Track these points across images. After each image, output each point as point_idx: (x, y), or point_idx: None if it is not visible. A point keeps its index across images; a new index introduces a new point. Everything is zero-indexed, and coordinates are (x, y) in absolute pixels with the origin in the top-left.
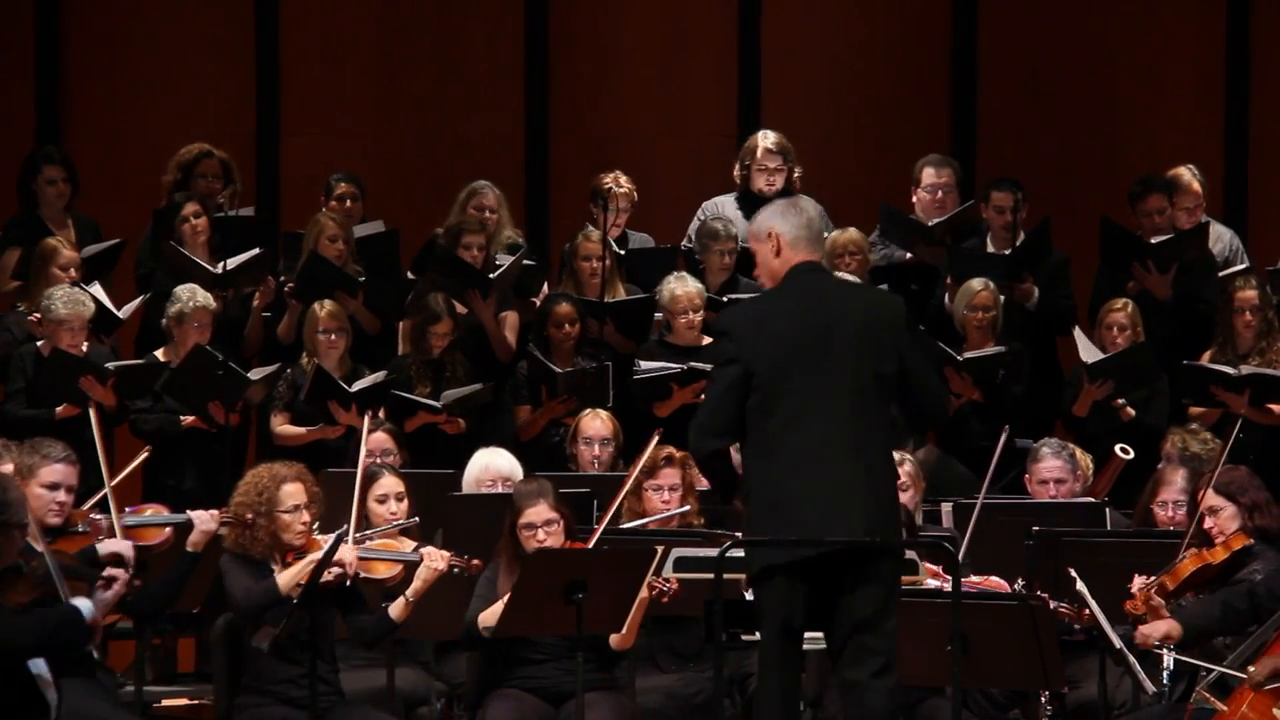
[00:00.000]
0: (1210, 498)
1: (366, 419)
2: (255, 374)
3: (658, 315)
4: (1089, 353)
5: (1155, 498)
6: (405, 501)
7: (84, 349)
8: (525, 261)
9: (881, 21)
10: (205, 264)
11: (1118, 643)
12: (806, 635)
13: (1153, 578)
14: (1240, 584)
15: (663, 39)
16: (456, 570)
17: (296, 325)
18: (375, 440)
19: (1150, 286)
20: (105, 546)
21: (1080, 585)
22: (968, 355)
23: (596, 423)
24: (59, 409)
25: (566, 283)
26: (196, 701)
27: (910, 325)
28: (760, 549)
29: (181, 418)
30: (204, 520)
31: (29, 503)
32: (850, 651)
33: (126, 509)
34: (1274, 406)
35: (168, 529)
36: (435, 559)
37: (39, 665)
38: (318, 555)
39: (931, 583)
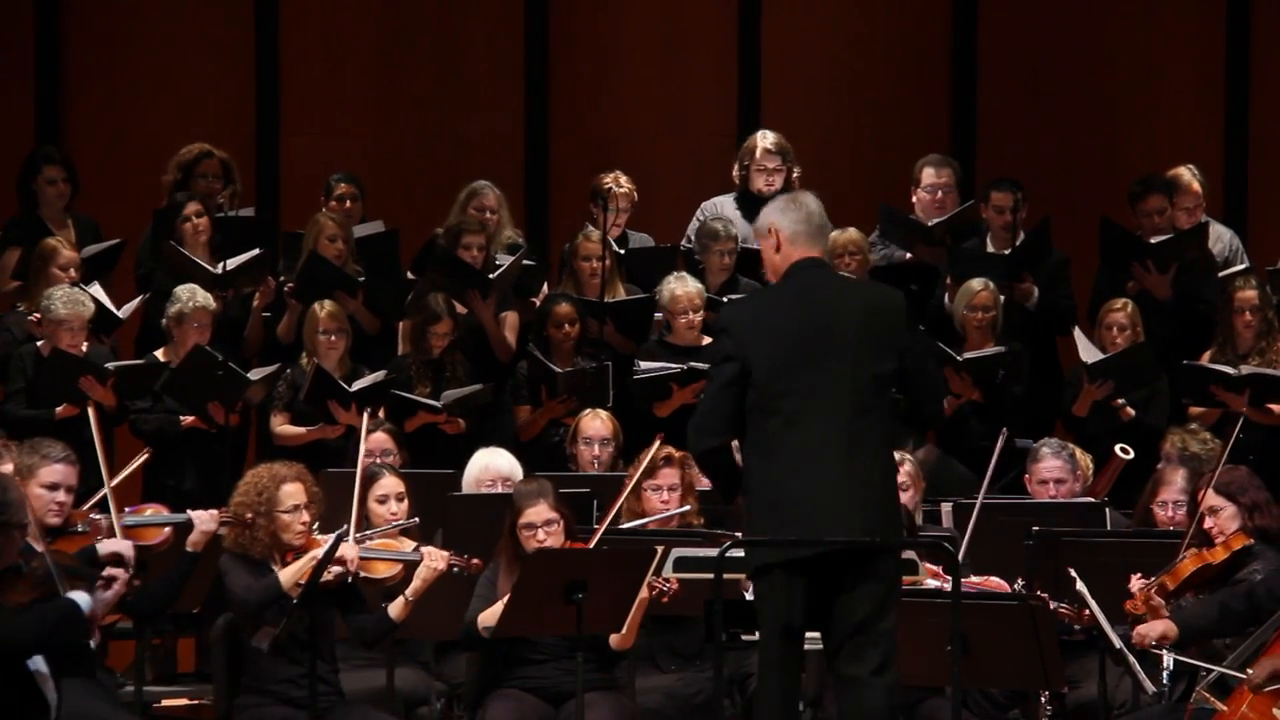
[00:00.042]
0: (1210, 498)
1: (365, 419)
2: (255, 374)
3: (658, 315)
4: (1089, 353)
5: (1155, 498)
6: (405, 502)
7: (84, 349)
8: (525, 261)
9: (881, 21)
10: (205, 264)
11: (1118, 643)
12: (807, 635)
13: (1153, 578)
14: (1239, 585)
15: (663, 39)
16: (456, 570)
17: (296, 325)
18: (375, 440)
19: (1150, 286)
20: (105, 546)
21: (1080, 585)
22: (967, 355)
23: (596, 423)
24: (59, 409)
25: (566, 283)
26: (196, 701)
27: (910, 322)
28: (759, 548)
29: (181, 418)
30: (204, 520)
31: (29, 503)
32: (849, 649)
33: (126, 509)
34: (1274, 406)
35: (167, 529)
36: (435, 558)
37: (37, 662)
38: (319, 553)
39: (931, 583)
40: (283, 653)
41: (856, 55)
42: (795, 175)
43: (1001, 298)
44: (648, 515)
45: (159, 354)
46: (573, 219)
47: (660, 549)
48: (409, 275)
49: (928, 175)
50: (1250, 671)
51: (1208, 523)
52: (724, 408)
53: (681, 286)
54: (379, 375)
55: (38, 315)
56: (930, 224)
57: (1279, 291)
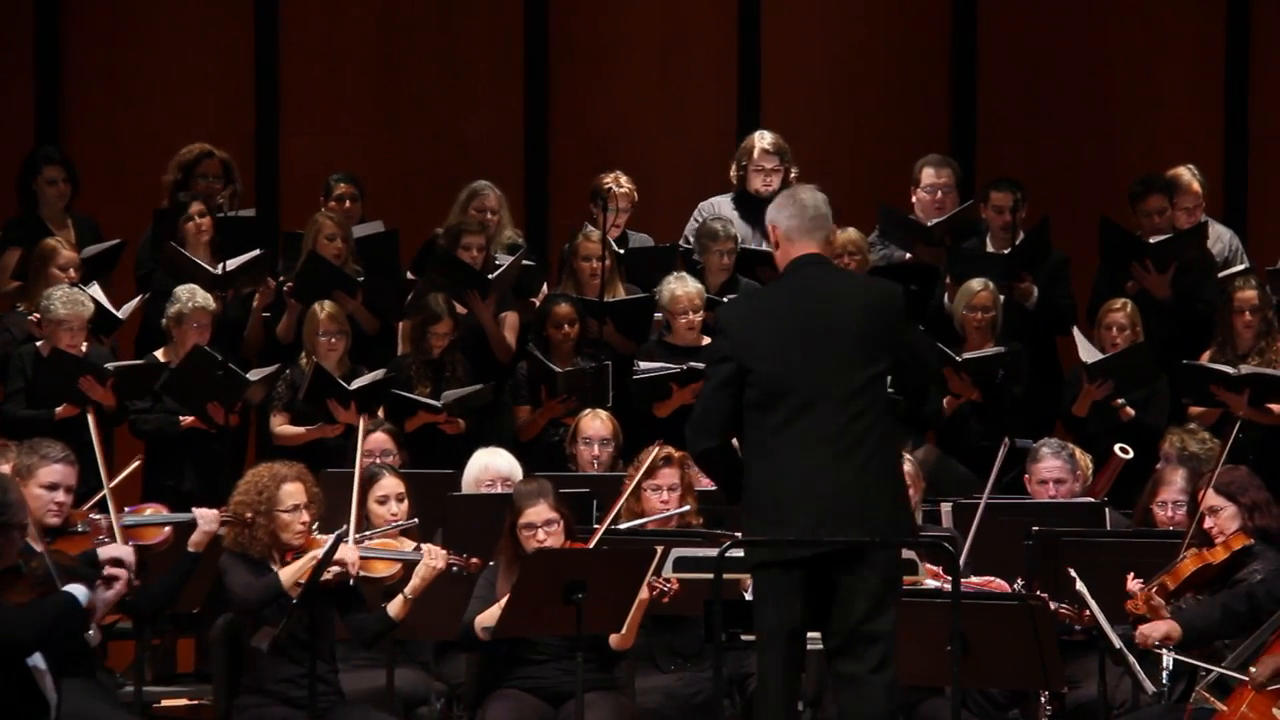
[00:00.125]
0: (1210, 498)
1: (363, 422)
2: (254, 374)
3: (657, 315)
4: (1088, 353)
5: (1155, 498)
6: (405, 502)
7: (83, 349)
8: (524, 261)
9: (881, 22)
10: (205, 265)
11: (1117, 643)
12: (807, 635)
13: (1153, 578)
14: (1240, 585)
15: (663, 39)
16: (455, 569)
17: (295, 325)
18: (375, 440)
19: (1149, 286)
20: (106, 551)
21: (1080, 585)
22: (967, 355)
23: (596, 423)
24: (58, 409)
25: (566, 283)
26: (196, 702)
27: (908, 315)
28: (757, 547)
29: (180, 418)
30: (209, 519)
31: (28, 503)
32: (848, 648)
33: (126, 509)
34: (1274, 406)
35: (167, 529)
36: (435, 556)
37: (35, 658)
38: (319, 553)
39: (931, 583)
40: (282, 653)
41: (856, 55)
42: (793, 175)
43: (1001, 298)
44: (647, 515)
45: (159, 354)
46: (573, 219)
47: (660, 549)
48: (408, 275)
49: (927, 175)
50: (1253, 670)
51: (1208, 523)
52: (720, 408)
53: (681, 287)
54: (378, 374)
55: (37, 315)
56: (930, 224)
57: (1279, 291)
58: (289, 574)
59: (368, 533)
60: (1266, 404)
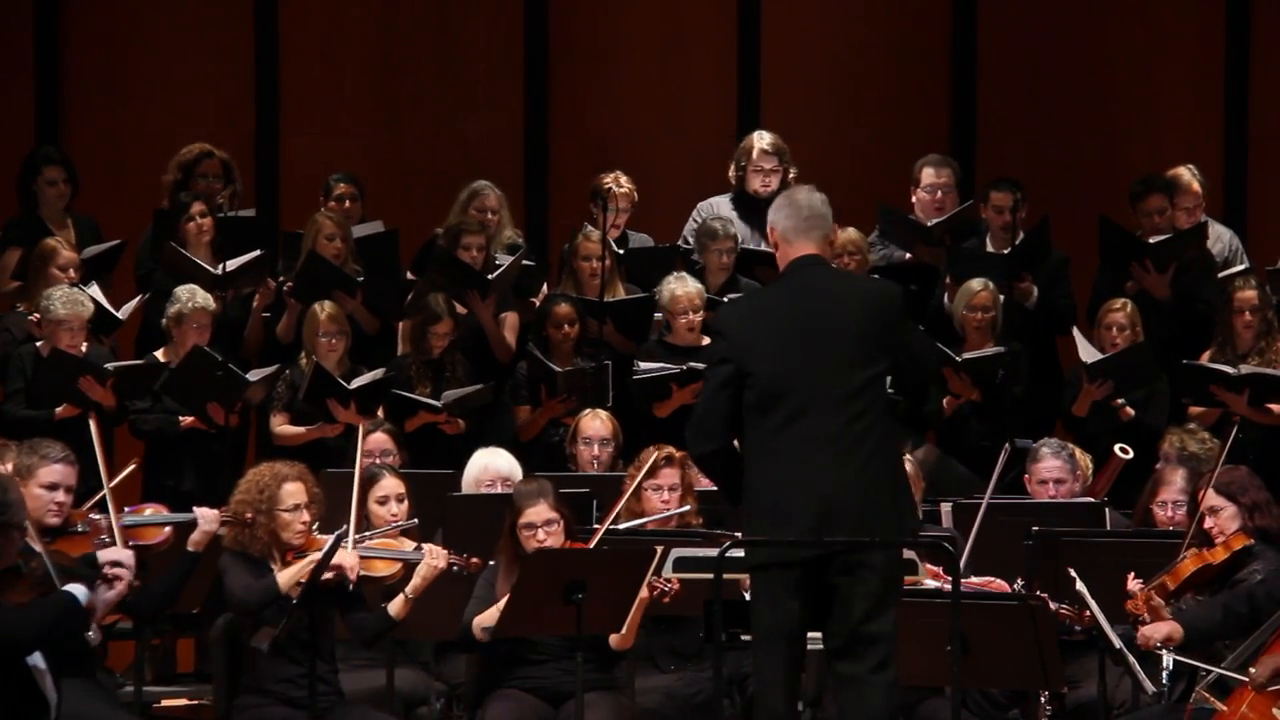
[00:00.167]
0: (1211, 498)
1: (362, 427)
2: (253, 375)
3: (657, 315)
4: (1087, 353)
5: (1155, 498)
6: (405, 503)
7: (83, 349)
8: (524, 262)
9: (881, 22)
10: (205, 265)
11: (1117, 643)
12: (807, 635)
13: (1153, 578)
14: (1240, 586)
15: (663, 39)
16: (456, 569)
17: (295, 325)
18: (375, 440)
19: (1148, 286)
20: (105, 554)
21: (1080, 585)
22: (967, 356)
23: (596, 423)
24: (58, 409)
25: (566, 283)
26: (196, 702)
27: (907, 315)
28: (756, 548)
29: (180, 418)
30: (209, 519)
31: (28, 503)
32: (848, 648)
33: (126, 509)
34: (1274, 406)
35: (167, 529)
36: (436, 556)
37: (35, 658)
38: (318, 555)
39: (930, 583)
40: (282, 653)
41: (856, 55)
42: (792, 176)
43: (1001, 298)
44: (647, 515)
45: (159, 354)
46: (573, 219)
47: (660, 549)
48: (408, 275)
49: (927, 175)
50: (1253, 671)
51: (1208, 523)
52: (719, 410)
53: (681, 287)
54: (377, 373)
55: (37, 315)
56: (930, 224)
57: (1278, 291)
58: (287, 577)
59: (368, 533)
60: (1266, 404)
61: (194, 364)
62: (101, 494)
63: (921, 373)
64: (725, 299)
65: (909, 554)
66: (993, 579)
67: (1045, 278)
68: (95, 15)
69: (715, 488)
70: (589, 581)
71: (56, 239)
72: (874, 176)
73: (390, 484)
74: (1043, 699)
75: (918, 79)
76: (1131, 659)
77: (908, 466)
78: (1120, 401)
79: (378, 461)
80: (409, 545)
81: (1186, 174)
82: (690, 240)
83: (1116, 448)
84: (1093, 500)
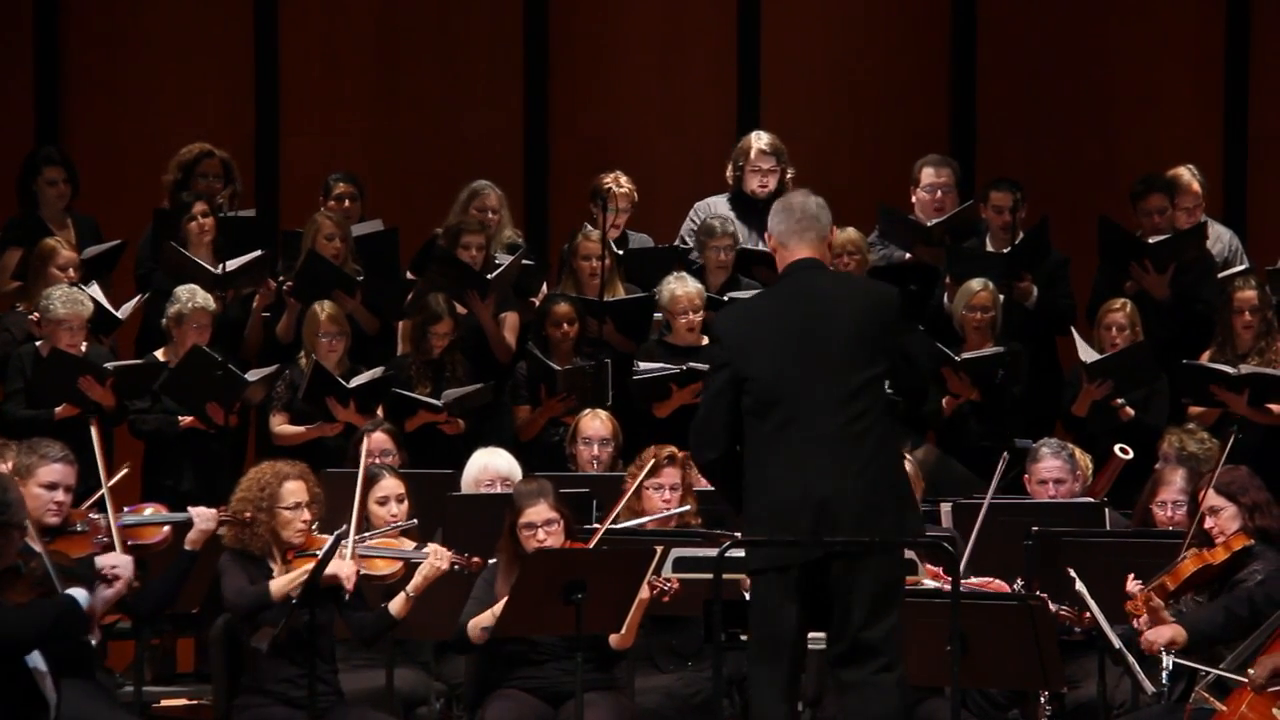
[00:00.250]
0: (1211, 498)
1: (365, 440)
2: (253, 375)
3: (657, 315)
4: (1085, 354)
5: (1154, 498)
6: (406, 503)
7: (83, 349)
8: (524, 261)
9: (881, 22)
10: (206, 265)
11: (1117, 643)
12: (808, 635)
13: (1153, 578)
14: (1240, 588)
15: (663, 39)
16: (458, 569)
17: (295, 325)
18: (375, 440)
19: (1147, 286)
20: (104, 560)
21: (1080, 585)
22: (966, 355)
23: (596, 423)
24: (58, 409)
25: (566, 282)
26: (195, 702)
27: (905, 318)
28: (756, 551)
29: (179, 418)
30: (205, 518)
31: (27, 503)
32: (850, 654)
33: (125, 508)
34: (1273, 406)
35: (166, 528)
36: (439, 555)
37: (36, 659)
38: (310, 566)
39: (930, 583)
40: (282, 653)
41: (856, 55)
42: (790, 176)
43: (1001, 297)
44: (647, 514)
45: (159, 354)
46: (572, 219)
47: (660, 549)
48: (408, 275)
49: (927, 175)
50: (1251, 672)
51: (1208, 523)
52: (720, 415)
53: (681, 287)
54: (376, 372)
55: (37, 315)
56: (930, 224)
57: (1278, 292)
58: (280, 584)
59: (367, 534)
60: (1266, 404)
61: (193, 364)
62: (100, 493)
63: (917, 378)
64: (725, 298)
65: (909, 554)
66: (992, 579)
67: (1045, 278)
68: (95, 15)
69: (705, 478)
70: (589, 581)
71: (56, 239)
72: (874, 176)
73: (390, 484)
74: (1042, 699)
75: (918, 79)
76: (1131, 659)
77: (908, 467)
78: (1120, 401)
79: (377, 461)
80: (409, 545)
81: (1186, 174)
82: (688, 240)
83: (1116, 448)
84: (1093, 500)
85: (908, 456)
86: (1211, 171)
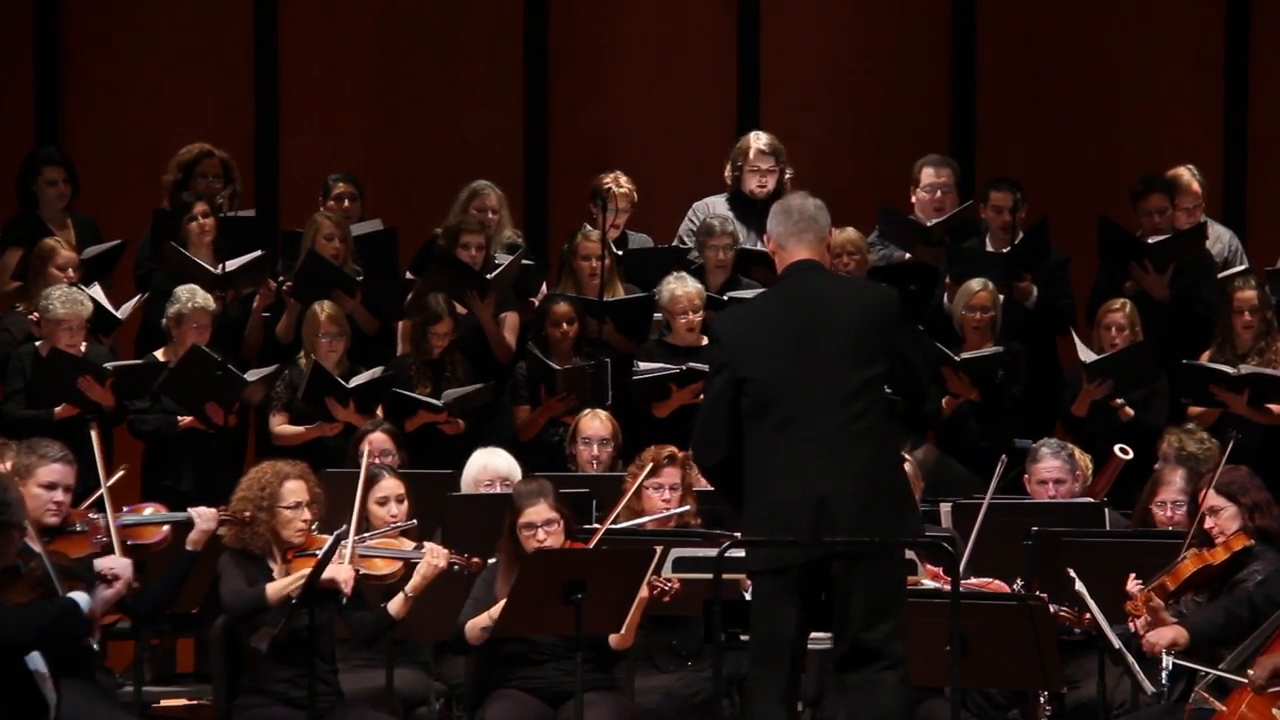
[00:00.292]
0: (1211, 498)
1: (367, 452)
2: (252, 375)
3: (657, 316)
4: (1084, 355)
5: (1154, 498)
6: (405, 503)
7: (82, 349)
8: (524, 261)
9: (881, 21)
10: (206, 265)
11: (1117, 643)
12: (809, 635)
13: (1153, 578)
14: (1239, 589)
15: (663, 39)
16: (457, 569)
17: (295, 325)
18: (374, 440)
19: (1147, 286)
20: (102, 563)
21: (1079, 585)
22: (966, 355)
23: (595, 423)
24: (58, 409)
25: (565, 282)
26: (195, 702)
27: (904, 320)
28: (755, 553)
29: (179, 418)
30: (205, 518)
31: (26, 503)
32: (852, 657)
33: (124, 508)
34: (1273, 406)
35: (166, 528)
36: (437, 555)
37: (36, 661)
38: (306, 571)
39: (929, 583)
40: (282, 653)
41: (856, 55)
42: (788, 176)
43: (1000, 297)
44: (647, 514)
45: (159, 354)
46: (572, 219)
47: (660, 549)
48: (408, 275)
49: (927, 175)
50: (1251, 674)
51: (1208, 523)
52: (721, 417)
53: (681, 287)
54: (375, 371)
55: (36, 315)
56: (929, 224)
57: (1278, 292)
58: (275, 589)
59: (367, 534)
60: (1266, 404)
61: (192, 364)
62: (99, 493)
63: (915, 383)
64: (725, 298)
65: (909, 554)
66: (991, 580)
67: (1045, 278)
68: (95, 16)
69: (709, 483)
70: (589, 581)
71: (56, 239)
72: (874, 176)
73: (390, 485)
74: (1042, 699)
75: (918, 79)
76: (1130, 659)
77: (907, 467)
78: (1119, 401)
79: (377, 461)
80: (409, 545)
81: (1186, 174)
82: (686, 240)
83: (1116, 448)
84: (1092, 500)
85: (907, 456)
86: (1211, 171)
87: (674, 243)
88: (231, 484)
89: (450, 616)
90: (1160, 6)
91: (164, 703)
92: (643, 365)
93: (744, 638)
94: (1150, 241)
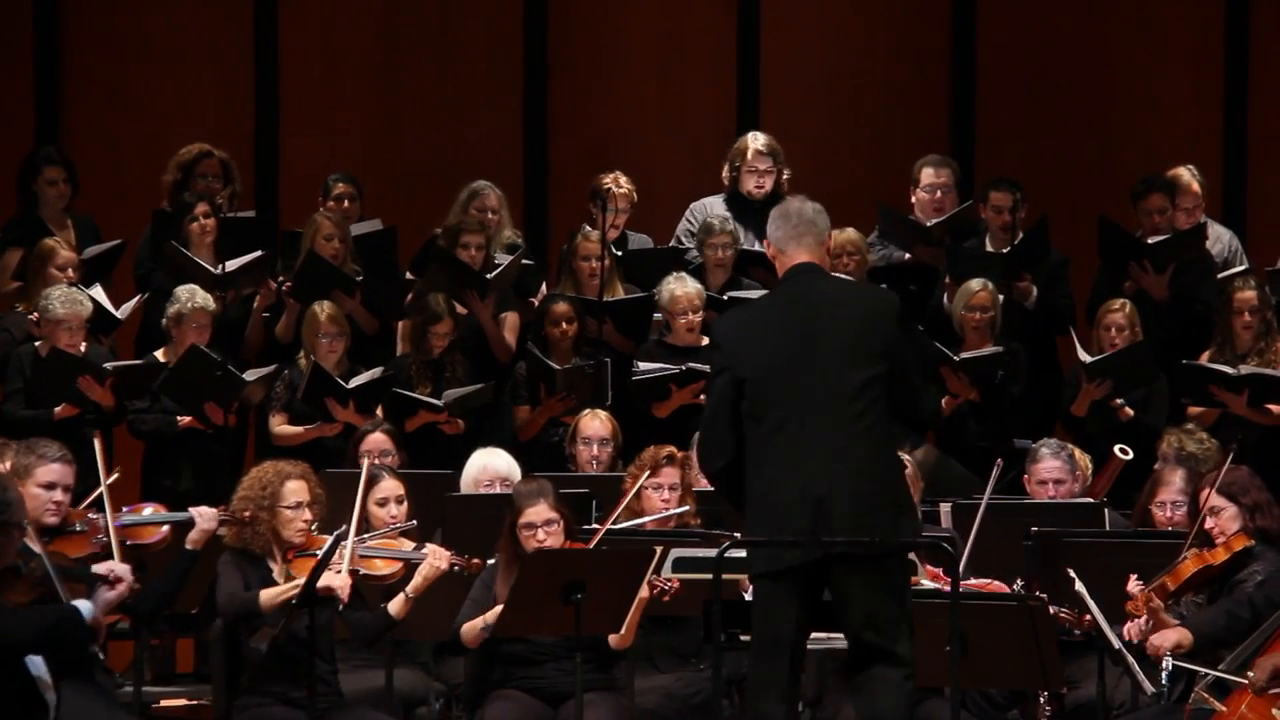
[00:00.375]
0: (1212, 498)
1: (366, 465)
2: (251, 375)
3: (657, 316)
4: (1083, 355)
5: (1154, 498)
6: (405, 504)
7: (82, 349)
8: (524, 261)
9: (881, 21)
10: (206, 265)
11: (1116, 643)
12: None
13: (1154, 578)
14: (1240, 589)
15: (663, 39)
16: (457, 569)
17: (295, 325)
18: (374, 440)
19: (1146, 286)
20: (101, 568)
21: (1079, 586)
22: (965, 355)
23: (595, 423)
24: (57, 409)
25: (565, 283)
26: (195, 702)
27: (904, 323)
28: (754, 554)
29: (178, 418)
30: (206, 517)
31: (25, 502)
32: (856, 654)
33: (124, 508)
34: (1273, 407)
35: (165, 527)
36: (438, 556)
37: (38, 667)
38: (301, 581)
39: (929, 584)
40: (282, 653)
41: (856, 55)
42: (785, 177)
43: (1000, 297)
44: (646, 514)
45: (159, 354)
46: (572, 219)
47: (659, 549)
48: (407, 275)
49: (927, 175)
50: (1251, 675)
51: (1209, 523)
52: (723, 420)
53: (681, 287)
54: (375, 372)
55: (36, 315)
56: (929, 224)
57: (1278, 292)
58: (270, 595)
59: (367, 535)
60: (1266, 404)
61: (191, 364)
62: (98, 492)
63: (911, 390)
64: (725, 298)
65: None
66: (991, 580)
67: (1044, 278)
68: (95, 16)
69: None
70: (588, 582)
71: (56, 239)
72: (874, 176)
73: (390, 485)
74: (1042, 699)
75: (918, 79)
76: (1130, 659)
77: (907, 467)
78: (1119, 401)
79: (377, 462)
80: (408, 546)
81: (1186, 174)
82: (684, 240)
83: (1116, 448)
84: (1092, 501)
85: (907, 457)
86: (1211, 171)
87: (672, 243)
88: (231, 484)
89: (450, 617)
90: (1160, 6)
91: (164, 703)
92: (642, 365)
93: (744, 638)
94: (1150, 242)
